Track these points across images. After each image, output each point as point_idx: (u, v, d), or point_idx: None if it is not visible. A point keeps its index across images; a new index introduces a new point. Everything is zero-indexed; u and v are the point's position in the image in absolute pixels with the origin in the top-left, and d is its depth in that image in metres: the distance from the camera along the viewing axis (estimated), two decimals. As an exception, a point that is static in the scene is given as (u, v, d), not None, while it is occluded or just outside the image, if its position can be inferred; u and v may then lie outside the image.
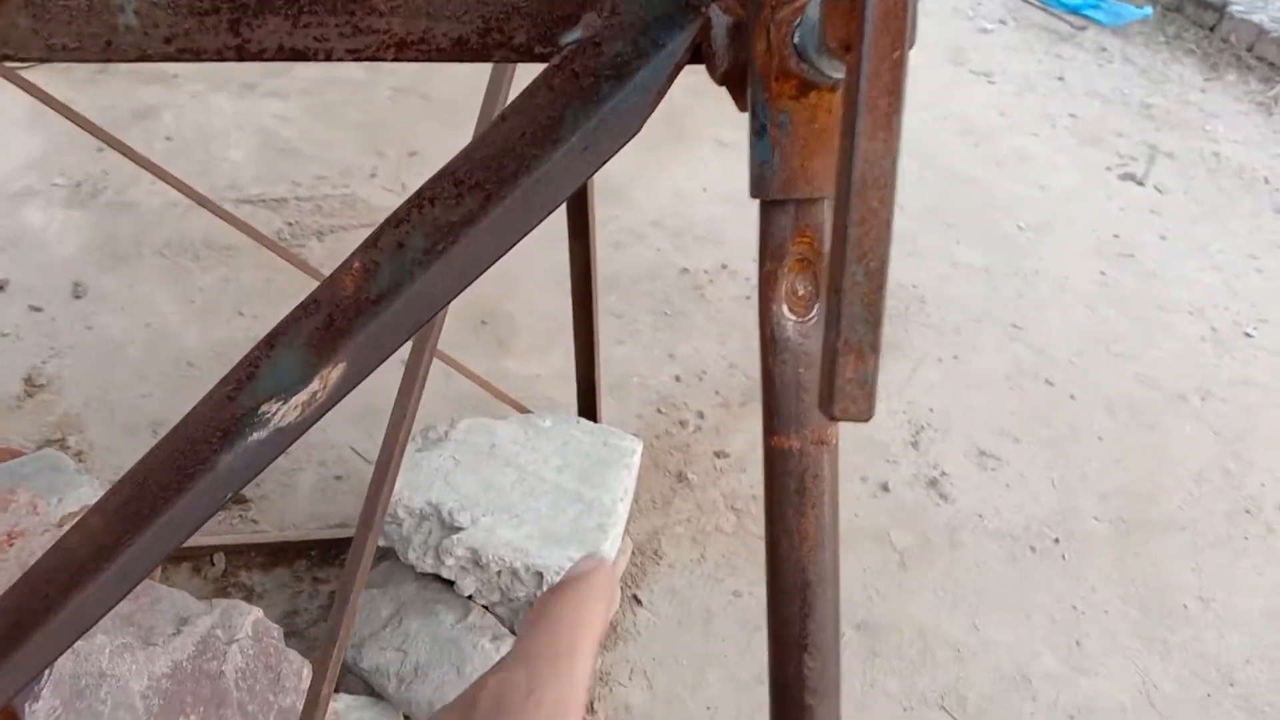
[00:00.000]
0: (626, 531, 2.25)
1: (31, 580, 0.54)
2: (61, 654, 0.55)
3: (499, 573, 1.56)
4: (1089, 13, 5.08)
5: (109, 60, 0.38)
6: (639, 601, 2.22)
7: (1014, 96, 4.43)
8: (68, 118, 1.38)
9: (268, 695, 1.33)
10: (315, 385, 0.48)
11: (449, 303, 0.45)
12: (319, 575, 2.20)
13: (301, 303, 0.46)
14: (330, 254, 3.01)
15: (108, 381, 2.56)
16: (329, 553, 2.26)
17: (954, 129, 4.11)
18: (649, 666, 2.12)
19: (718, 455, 2.59)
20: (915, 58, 4.60)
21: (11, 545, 1.40)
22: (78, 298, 2.79)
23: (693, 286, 3.11)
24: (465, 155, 0.43)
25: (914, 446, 2.67)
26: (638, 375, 2.78)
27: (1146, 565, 2.46)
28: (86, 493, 1.71)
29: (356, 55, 0.40)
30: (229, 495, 0.51)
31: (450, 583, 1.68)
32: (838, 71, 0.32)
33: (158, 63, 0.38)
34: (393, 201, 3.25)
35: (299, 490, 2.40)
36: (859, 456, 2.61)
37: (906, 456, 2.64)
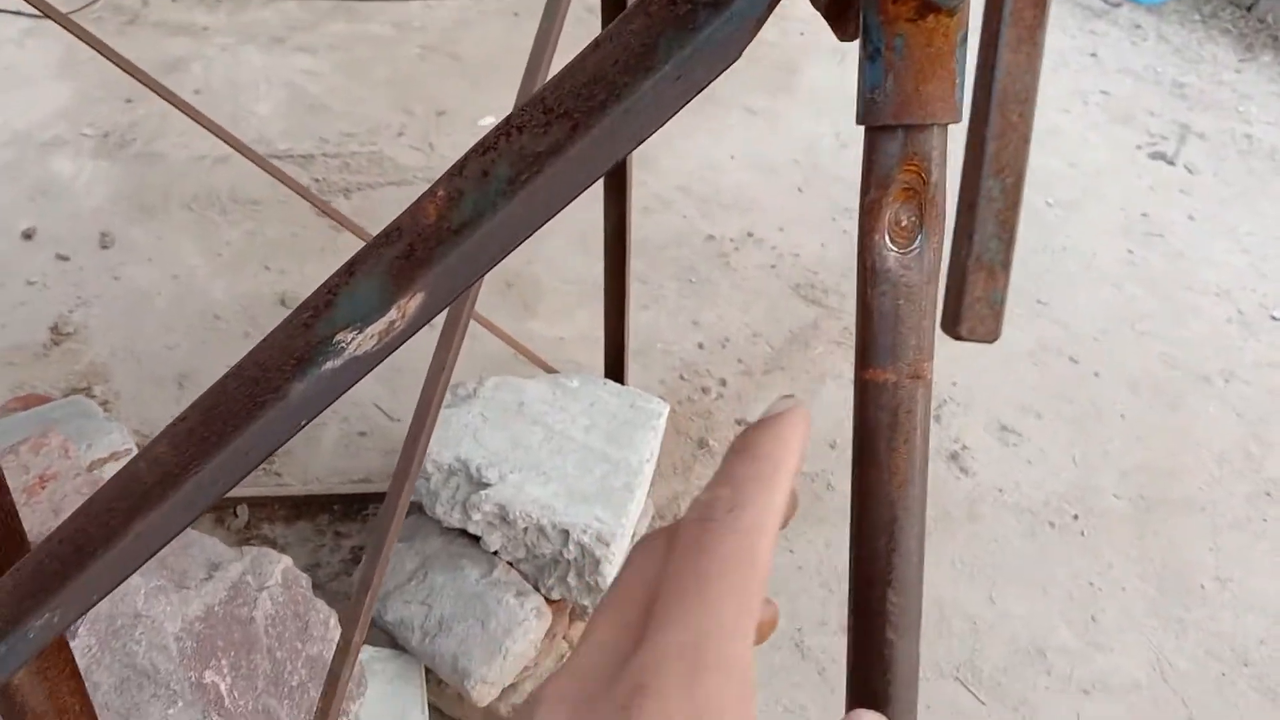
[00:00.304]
0: (649, 494, 2.26)
1: (95, 506, 0.54)
2: (122, 581, 0.56)
3: (525, 529, 1.57)
4: (1124, -11, 5.01)
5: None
6: (658, 565, 2.23)
7: (1047, 72, 4.37)
8: (109, 59, 1.38)
9: (295, 643, 1.34)
10: (393, 315, 0.48)
11: (531, 234, 0.45)
12: (341, 530, 2.22)
13: (383, 230, 0.46)
14: (356, 211, 3.01)
15: (134, 332, 2.58)
16: (351, 507, 2.27)
17: (983, 103, 4.06)
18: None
19: (739, 423, 2.59)
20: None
21: (44, 488, 1.41)
22: (105, 248, 2.80)
23: (718, 254, 3.10)
24: (557, 82, 0.42)
25: (936, 419, 2.66)
26: (661, 341, 2.78)
27: (1165, 544, 2.46)
28: (116, 439, 1.72)
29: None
30: (302, 424, 0.51)
31: (476, 538, 1.69)
32: (961, -7, 0.31)
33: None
34: (419, 160, 3.24)
35: (322, 445, 2.42)
36: (881, 428, 2.60)
37: (928, 429, 2.64)
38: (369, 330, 0.49)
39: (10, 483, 1.45)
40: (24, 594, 0.58)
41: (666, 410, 1.81)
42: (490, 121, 3.47)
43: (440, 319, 1.21)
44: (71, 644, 1.10)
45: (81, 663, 1.04)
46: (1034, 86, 0.26)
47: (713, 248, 3.12)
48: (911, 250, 0.36)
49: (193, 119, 1.48)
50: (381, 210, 2.98)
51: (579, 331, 2.73)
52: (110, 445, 1.71)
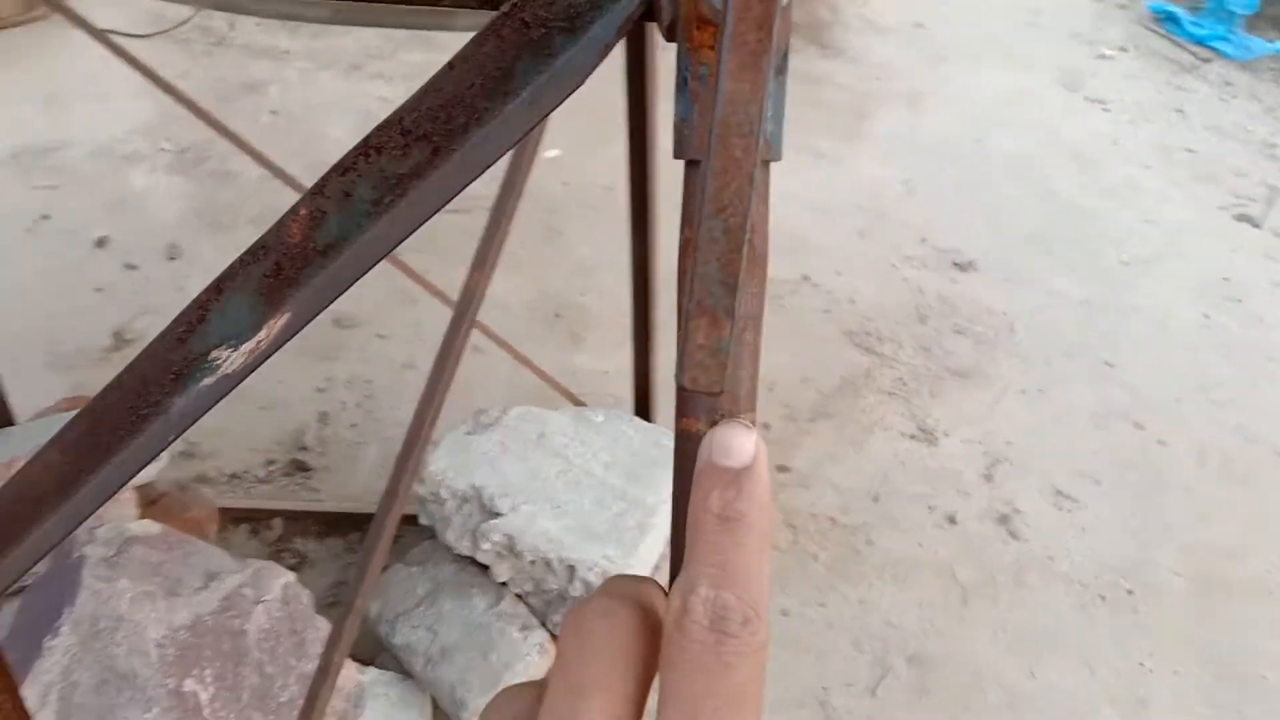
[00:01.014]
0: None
1: (-8, 508, 0.54)
2: (14, 583, 0.56)
3: (533, 562, 1.56)
4: (1216, 45, 4.85)
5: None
6: (683, 608, 2.19)
7: (1129, 126, 4.26)
8: (168, 93, 1.43)
9: (289, 659, 1.34)
10: (262, 334, 0.47)
11: (387, 255, 0.43)
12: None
13: (249, 248, 0.45)
14: (418, 239, 3.04)
15: (192, 343, 2.65)
16: (382, 528, 2.28)
17: (1063, 154, 3.97)
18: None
19: (779, 469, 2.54)
20: (1027, 80, 4.43)
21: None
22: (172, 259, 2.89)
23: (771, 296, 3.06)
24: (414, 103, 0.41)
25: (987, 480, 2.57)
26: (706, 381, 2.74)
27: (1225, 628, 2.32)
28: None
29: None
30: (176, 436, 0.50)
31: (488, 568, 1.68)
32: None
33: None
34: (480, 189, 3.29)
35: (361, 464, 2.44)
36: (926, 484, 2.53)
37: (979, 489, 2.55)
38: (241, 348, 0.48)
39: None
40: (-73, 593, 0.58)
41: (690, 451, 1.78)
42: (555, 154, 3.51)
43: (437, 342, 1.21)
44: (53, 642, 1.11)
45: (62, 661, 1.05)
46: (759, 120, 0.23)
47: (766, 289, 3.08)
48: (729, 293, 0.33)
49: (233, 142, 1.52)
50: (439, 237, 3.02)
51: (624, 366, 2.71)
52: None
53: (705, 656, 0.30)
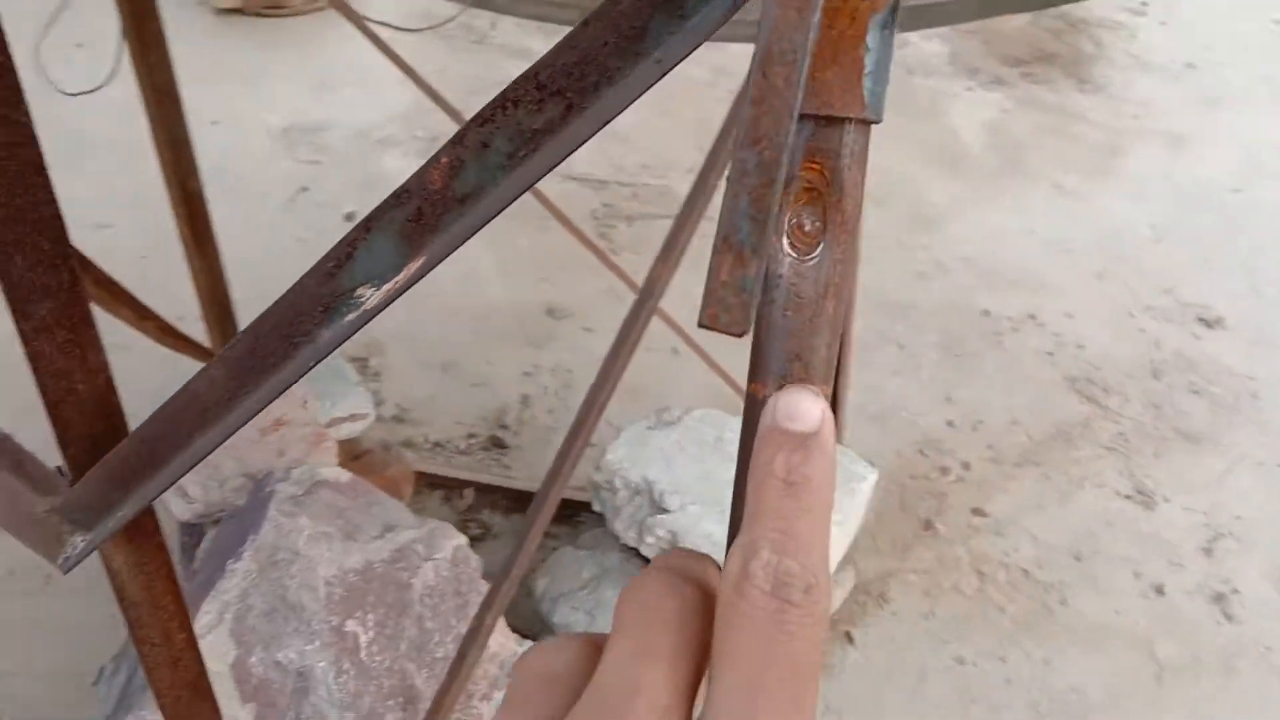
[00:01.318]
0: (851, 564, 2.16)
1: (165, 413, 0.60)
2: (174, 482, 0.61)
3: (693, 563, 1.55)
4: None
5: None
6: (851, 640, 2.12)
7: None
8: (418, 84, 1.54)
9: (450, 619, 1.40)
10: (401, 275, 0.50)
11: (512, 203, 0.45)
12: (550, 530, 2.29)
13: (395, 191, 0.48)
14: (634, 239, 3.13)
15: (417, 316, 2.82)
16: (564, 511, 2.35)
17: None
18: (845, 709, 2.02)
19: (974, 512, 2.41)
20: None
21: (276, 431, 1.57)
22: (411, 238, 3.09)
23: (991, 331, 2.92)
24: (550, 59, 0.42)
25: (1206, 554, 2.35)
26: (907, 411, 2.65)
27: None
28: (356, 402, 1.89)
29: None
30: (317, 362, 0.54)
31: (650, 561, 1.69)
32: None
33: None
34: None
35: (552, 448, 2.52)
36: (1136, 549, 2.33)
37: (1195, 563, 2.33)
38: (383, 288, 0.51)
39: (252, 421, 1.63)
40: (113, 483, 0.65)
41: (873, 477, 1.73)
42: (782, 168, 3.49)
43: (614, 334, 1.23)
44: (235, 565, 1.21)
45: (241, 584, 1.15)
46: (804, 49, 0.22)
47: (986, 324, 2.94)
48: (810, 259, 0.32)
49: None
50: (656, 240, 3.08)
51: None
52: (350, 407, 1.88)
53: (766, 623, 0.29)
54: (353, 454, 1.99)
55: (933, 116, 3.87)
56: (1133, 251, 3.24)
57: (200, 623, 1.10)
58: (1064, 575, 2.29)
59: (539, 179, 0.45)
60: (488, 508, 2.37)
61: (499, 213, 0.46)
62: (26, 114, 0.54)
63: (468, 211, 0.47)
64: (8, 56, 0.52)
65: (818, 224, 0.32)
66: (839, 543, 1.70)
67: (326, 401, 1.81)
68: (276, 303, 0.54)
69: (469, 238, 0.47)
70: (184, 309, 1.93)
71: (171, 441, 0.61)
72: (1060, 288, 3.08)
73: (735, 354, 2.70)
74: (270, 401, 0.57)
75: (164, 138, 1.60)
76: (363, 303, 0.52)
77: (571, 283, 2.99)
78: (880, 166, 3.48)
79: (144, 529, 0.72)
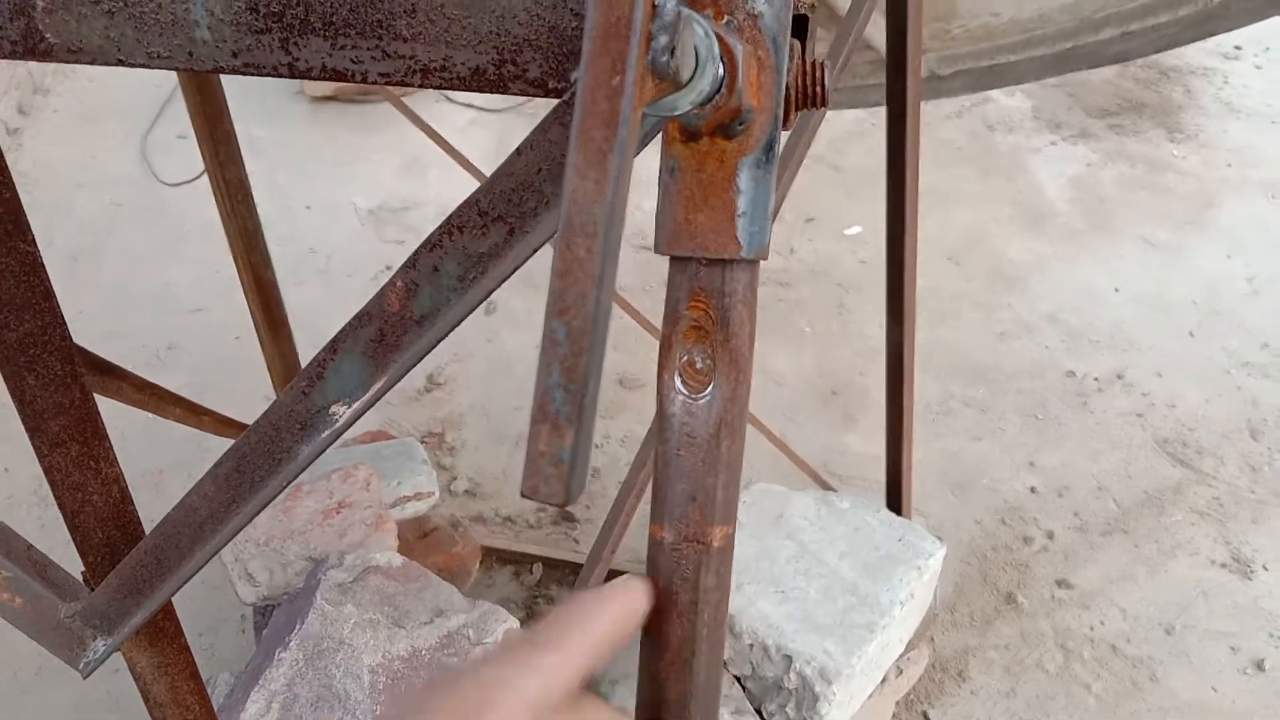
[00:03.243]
0: (929, 641, 2.08)
1: (168, 527, 0.61)
2: (180, 587, 0.63)
3: (750, 645, 1.52)
4: None
5: (192, 69, 0.43)
6: None
7: None
8: (449, 153, 1.58)
9: (503, 702, 1.39)
10: (368, 393, 0.51)
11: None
12: (619, 606, 2.28)
13: (357, 314, 0.49)
14: (706, 305, 3.12)
15: (493, 391, 2.86)
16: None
17: None
18: (925, 792, 1.94)
19: (1059, 584, 2.31)
20: None
21: (338, 514, 1.60)
22: (488, 314, 3.15)
23: (1076, 393, 2.82)
24: (488, 186, 0.43)
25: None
26: (988, 478, 2.57)
27: None
28: (423, 481, 1.91)
29: (388, 79, 0.41)
30: (296, 476, 0.55)
31: (714, 643, 1.65)
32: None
33: (229, 74, 0.43)
34: (776, 264, 3.32)
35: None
36: (1234, 622, 2.19)
37: (1303, 638, 2.18)
38: (354, 405, 0.52)
39: (314, 505, 1.67)
40: (126, 590, 0.66)
41: (941, 552, 1.68)
42: (857, 231, 3.47)
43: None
44: (283, 654, 1.23)
45: (288, 673, 1.16)
46: (608, 220, 0.22)
47: (1071, 385, 2.84)
48: (701, 397, 0.31)
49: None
50: (728, 307, 3.08)
51: (898, 453, 2.60)
52: (416, 486, 1.90)
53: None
54: (421, 532, 2.01)
55: (1014, 173, 3.80)
56: (1228, 306, 3.10)
57: (248, 712, 1.12)
58: (1154, 650, 2.16)
59: (489, 294, 0.46)
60: (556, 583, 2.37)
61: (452, 329, 0.47)
62: (33, 243, 0.58)
63: (425, 331, 0.48)
64: (13, 191, 0.55)
65: (707, 360, 0.32)
66: (908, 621, 1.64)
67: (392, 481, 1.84)
68: (258, 421, 0.55)
69: (425, 354, 0.48)
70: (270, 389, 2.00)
71: (176, 551, 0.63)
72: (1150, 346, 2.96)
73: (813, 424, 2.65)
74: (259, 513, 0.58)
75: (236, 229, 1.67)
76: (336, 420, 0.53)
77: (643, 352, 2.99)
78: (958, 226, 3.42)
79: (165, 631, 0.74)
